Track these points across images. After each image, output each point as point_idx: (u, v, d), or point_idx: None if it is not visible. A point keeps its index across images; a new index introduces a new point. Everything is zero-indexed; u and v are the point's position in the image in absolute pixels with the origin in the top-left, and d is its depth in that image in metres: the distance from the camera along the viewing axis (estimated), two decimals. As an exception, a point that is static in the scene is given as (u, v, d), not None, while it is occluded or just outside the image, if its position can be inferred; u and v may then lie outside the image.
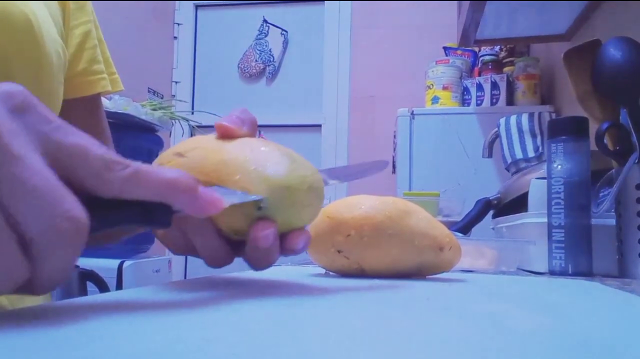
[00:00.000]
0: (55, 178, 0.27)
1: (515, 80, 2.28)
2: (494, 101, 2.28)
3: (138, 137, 2.14)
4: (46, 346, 0.22)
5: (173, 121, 2.36)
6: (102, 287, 1.57)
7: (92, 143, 0.30)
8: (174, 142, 3.31)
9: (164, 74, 3.48)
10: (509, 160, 1.85)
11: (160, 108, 2.26)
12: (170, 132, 3.05)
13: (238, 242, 0.42)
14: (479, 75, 2.42)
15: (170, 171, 0.32)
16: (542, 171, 1.05)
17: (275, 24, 3.53)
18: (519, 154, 1.84)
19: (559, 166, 0.82)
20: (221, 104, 3.42)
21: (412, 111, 2.24)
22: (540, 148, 1.82)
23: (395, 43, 3.27)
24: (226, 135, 0.43)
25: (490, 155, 1.90)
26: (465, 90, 2.34)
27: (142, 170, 0.31)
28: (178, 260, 3.35)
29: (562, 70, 0.98)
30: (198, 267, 2.92)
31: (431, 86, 2.33)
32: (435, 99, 2.31)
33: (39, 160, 0.27)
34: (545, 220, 0.84)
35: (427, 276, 0.62)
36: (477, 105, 2.31)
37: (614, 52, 0.85)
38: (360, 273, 0.60)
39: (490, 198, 1.24)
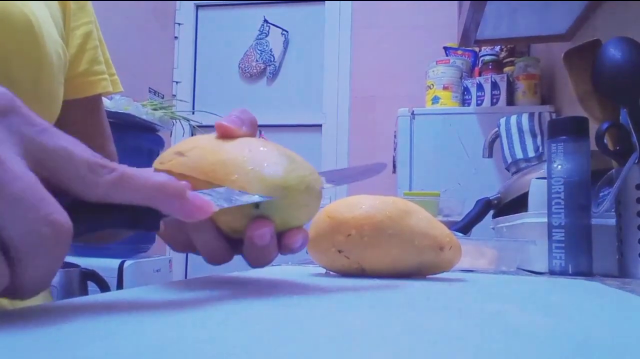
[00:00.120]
0: (37, 182, 0.26)
1: (516, 80, 2.28)
2: (494, 100, 2.28)
3: (139, 137, 2.14)
4: (47, 346, 0.22)
5: (174, 121, 2.36)
6: (103, 286, 1.57)
7: (77, 146, 0.29)
8: (175, 142, 3.31)
9: (164, 74, 3.48)
10: (509, 160, 1.85)
11: (161, 108, 2.26)
12: (171, 132, 3.04)
13: (237, 240, 0.42)
14: (479, 75, 2.42)
15: (158, 176, 0.32)
16: (542, 171, 1.05)
17: (276, 24, 3.53)
18: (519, 154, 1.84)
19: (559, 166, 0.82)
20: (222, 104, 3.42)
21: (413, 111, 2.24)
22: (541, 148, 1.82)
23: (396, 43, 3.27)
24: (226, 135, 0.43)
25: (490, 155, 1.90)
26: (466, 90, 2.34)
27: (128, 174, 0.30)
28: (179, 260, 3.35)
29: (562, 70, 0.98)
30: (198, 267, 2.92)
31: (431, 86, 2.33)
32: (435, 99, 2.31)
33: (21, 164, 0.26)
34: (546, 220, 0.84)
35: (427, 276, 0.62)
36: (478, 105, 2.31)
37: (614, 52, 0.85)
38: (361, 273, 0.60)
39: (491, 198, 1.24)
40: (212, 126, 0.45)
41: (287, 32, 3.52)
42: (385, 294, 0.44)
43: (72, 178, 0.29)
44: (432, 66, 2.36)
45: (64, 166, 0.29)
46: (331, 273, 0.63)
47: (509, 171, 1.88)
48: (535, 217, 0.91)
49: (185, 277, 3.34)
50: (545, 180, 0.86)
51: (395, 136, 2.43)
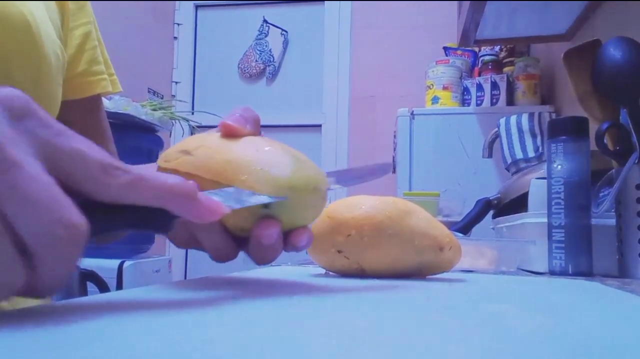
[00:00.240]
0: (53, 184, 0.27)
1: (515, 81, 2.28)
2: (494, 101, 2.28)
3: (138, 138, 2.14)
4: (46, 346, 0.22)
5: (173, 121, 2.37)
6: (103, 287, 1.57)
7: (91, 148, 0.30)
8: (174, 142, 3.31)
9: (164, 74, 3.48)
10: (509, 160, 1.85)
11: (160, 108, 2.26)
12: (171, 133, 3.05)
13: (242, 238, 0.43)
14: (479, 75, 2.42)
15: (170, 177, 0.32)
16: (542, 171, 1.05)
17: (276, 24, 3.53)
18: (519, 154, 1.84)
19: (559, 166, 0.82)
20: (221, 104, 3.42)
21: (412, 111, 2.24)
22: (540, 148, 1.82)
23: (396, 43, 3.27)
24: (231, 134, 0.43)
25: (490, 155, 1.90)
26: (465, 90, 2.34)
27: (141, 176, 0.31)
28: (178, 260, 3.35)
29: (562, 70, 0.98)
30: (198, 268, 2.92)
31: (431, 86, 2.33)
32: (435, 99, 2.31)
33: (38, 166, 0.27)
34: (545, 220, 0.84)
35: (427, 276, 0.62)
36: (477, 105, 2.31)
37: (614, 52, 0.85)
38: (361, 273, 0.60)
39: (490, 198, 1.24)
40: (211, 126, 0.45)
41: (286, 32, 3.52)
42: (385, 294, 0.44)
43: (86, 179, 0.29)
44: (431, 66, 2.36)
45: (78, 168, 0.29)
46: (331, 273, 0.63)
47: (508, 171, 1.88)
48: (535, 217, 0.91)
49: (185, 277, 3.34)
50: (545, 180, 0.86)
51: (395, 136, 2.43)
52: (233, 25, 3.59)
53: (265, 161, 0.40)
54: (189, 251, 3.42)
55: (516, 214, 1.01)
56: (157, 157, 0.46)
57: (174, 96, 3.50)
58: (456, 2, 2.22)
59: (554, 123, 0.86)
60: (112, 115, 1.92)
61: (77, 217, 0.27)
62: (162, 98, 3.23)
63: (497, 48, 2.50)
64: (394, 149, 2.43)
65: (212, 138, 0.43)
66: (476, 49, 2.54)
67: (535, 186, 0.95)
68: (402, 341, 0.25)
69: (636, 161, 0.81)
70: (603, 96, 0.88)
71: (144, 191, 0.31)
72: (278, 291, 0.44)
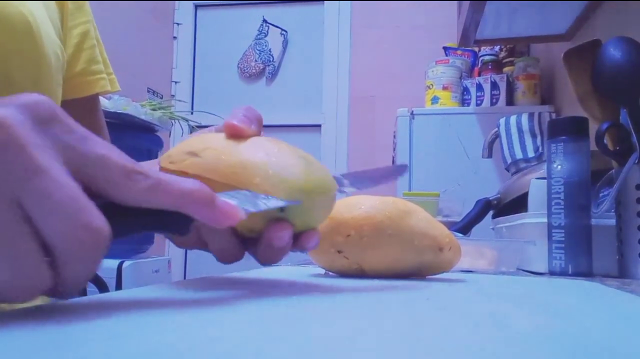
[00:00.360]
0: (78, 189, 0.28)
1: (515, 81, 2.28)
2: (494, 101, 2.28)
3: (137, 137, 2.14)
4: (46, 346, 0.22)
5: (172, 121, 2.36)
6: (102, 287, 1.57)
7: (114, 153, 0.31)
8: (174, 142, 3.31)
9: (163, 74, 3.48)
10: (509, 160, 1.85)
11: (159, 108, 2.26)
12: (170, 132, 3.05)
13: (249, 238, 0.43)
14: (479, 75, 2.42)
15: (188, 182, 0.33)
16: (542, 171, 1.04)
17: (275, 24, 3.53)
18: (518, 154, 1.83)
19: (559, 166, 0.82)
20: (221, 104, 3.42)
21: (412, 111, 2.24)
22: (540, 148, 1.82)
23: (395, 43, 3.27)
24: (236, 135, 0.43)
25: (490, 155, 1.90)
26: (465, 90, 2.34)
27: (162, 181, 0.32)
28: (177, 260, 3.35)
29: (562, 70, 0.98)
30: (197, 268, 2.92)
31: (431, 86, 2.33)
32: (435, 99, 2.31)
33: (63, 172, 0.28)
34: (545, 220, 0.84)
35: (426, 276, 0.62)
36: (477, 105, 2.31)
37: (614, 52, 0.85)
38: (360, 273, 0.60)
39: (490, 198, 1.24)
40: (211, 126, 0.45)
41: (286, 32, 3.52)
42: (384, 294, 0.44)
43: (109, 184, 0.30)
44: (431, 66, 2.36)
45: (101, 172, 0.30)
46: (330, 273, 0.63)
47: (508, 171, 1.88)
48: (535, 217, 0.91)
49: (184, 277, 3.34)
50: (545, 180, 0.86)
51: (394, 136, 2.43)
52: (233, 25, 3.59)
53: (277, 163, 0.40)
54: (188, 251, 3.42)
55: (516, 215, 1.01)
56: (156, 157, 0.46)
57: (173, 95, 3.50)
58: (456, 2, 2.22)
59: (554, 123, 0.86)
60: (111, 115, 1.92)
61: (99, 222, 0.28)
62: (161, 98, 3.23)
63: (497, 48, 2.50)
64: (394, 149, 2.43)
65: (218, 139, 0.43)
66: (476, 49, 2.54)
67: (535, 186, 0.95)
68: (402, 341, 0.25)
69: (636, 161, 0.81)
70: (603, 96, 0.88)
71: (164, 196, 0.32)
72: (278, 291, 0.43)
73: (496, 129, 1.91)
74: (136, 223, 0.33)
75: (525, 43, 2.46)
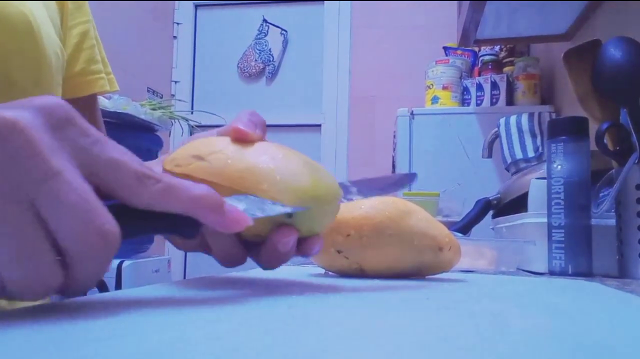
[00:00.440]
0: (91, 192, 0.28)
1: (515, 80, 2.28)
2: (494, 100, 2.28)
3: (137, 137, 2.14)
4: (46, 346, 0.22)
5: (172, 121, 2.36)
6: (101, 287, 1.57)
7: (126, 157, 0.32)
8: (173, 142, 3.31)
9: (163, 74, 3.48)
10: (509, 160, 1.85)
11: (159, 108, 2.26)
12: (170, 132, 3.05)
13: (252, 242, 0.43)
14: (479, 75, 2.42)
15: (199, 187, 0.33)
16: (542, 171, 1.04)
17: (275, 24, 3.53)
18: (518, 154, 1.83)
19: (559, 166, 0.82)
20: (221, 103, 3.42)
21: (412, 111, 2.24)
22: (540, 148, 1.82)
23: (395, 43, 3.27)
24: (241, 139, 0.43)
25: (490, 155, 1.90)
26: (465, 90, 2.34)
27: (173, 185, 0.32)
28: (177, 260, 3.35)
29: (562, 70, 0.98)
30: (197, 268, 2.91)
31: (431, 86, 2.33)
32: (435, 99, 2.31)
33: (77, 175, 0.28)
34: (545, 220, 0.84)
35: (426, 276, 0.62)
36: (477, 105, 2.31)
37: (614, 52, 0.85)
38: (360, 273, 0.60)
39: (490, 198, 1.24)
40: (210, 126, 0.45)
41: (286, 31, 3.52)
42: (384, 294, 0.44)
43: (121, 187, 0.31)
44: (431, 66, 2.36)
45: (114, 176, 0.31)
46: (330, 273, 0.63)
47: (508, 171, 1.88)
48: (535, 217, 0.91)
49: (184, 277, 3.34)
50: (545, 180, 0.86)
51: (394, 136, 2.43)
52: (232, 25, 3.59)
53: (284, 169, 0.40)
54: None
55: (516, 215, 1.01)
56: (156, 157, 0.46)
57: (173, 95, 3.50)
58: (456, 2, 2.22)
59: (554, 123, 0.86)
60: (111, 114, 1.92)
61: (110, 225, 0.29)
62: (161, 97, 3.23)
63: (497, 48, 2.50)
64: (394, 149, 2.43)
65: (224, 143, 0.43)
66: (476, 49, 2.54)
67: (535, 186, 0.95)
68: (402, 341, 0.25)
69: (636, 161, 0.81)
70: (603, 96, 0.88)
71: (175, 201, 0.32)
72: (277, 291, 0.43)
73: (496, 129, 1.91)
74: (146, 226, 0.33)
75: (525, 43, 2.46)
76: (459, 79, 2.34)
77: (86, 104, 0.73)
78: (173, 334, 0.25)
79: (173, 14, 3.58)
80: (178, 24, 3.59)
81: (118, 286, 1.94)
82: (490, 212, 1.24)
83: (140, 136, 2.16)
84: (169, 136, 3.21)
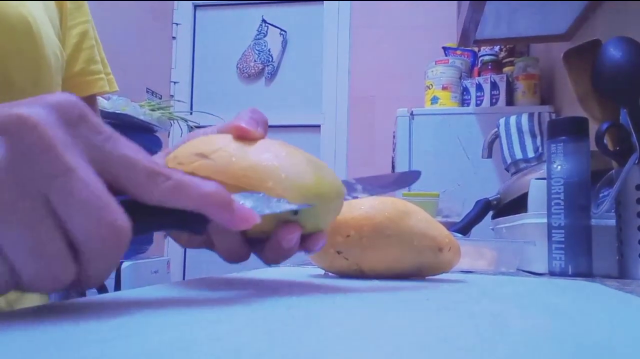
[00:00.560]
0: (103, 189, 0.29)
1: (515, 81, 2.28)
2: (494, 101, 2.28)
3: (136, 138, 2.12)
4: (45, 347, 0.22)
5: (171, 122, 2.36)
6: (100, 288, 1.57)
7: (138, 154, 0.32)
8: (172, 142, 3.31)
9: (162, 74, 3.48)
10: (509, 160, 1.85)
11: (158, 108, 2.26)
12: (169, 133, 3.04)
13: (256, 239, 0.43)
14: (479, 75, 2.42)
15: (208, 185, 0.34)
16: (542, 171, 1.04)
17: (274, 24, 3.53)
18: (518, 155, 1.83)
19: (559, 167, 0.82)
20: (220, 104, 3.42)
21: (412, 111, 2.24)
22: (540, 148, 1.82)
23: (395, 43, 3.27)
24: (243, 137, 0.43)
25: (489, 155, 1.90)
26: (465, 90, 2.34)
27: (183, 182, 0.33)
28: (176, 261, 3.35)
29: (562, 70, 0.98)
30: (196, 268, 2.91)
31: (430, 86, 2.33)
32: (434, 99, 2.31)
33: (89, 171, 0.29)
34: (545, 221, 0.84)
35: (426, 277, 0.62)
36: (477, 105, 2.31)
37: (614, 52, 0.85)
38: (360, 274, 0.59)
39: (490, 199, 1.24)
40: (208, 126, 0.45)
41: (285, 32, 3.52)
42: (384, 295, 0.43)
43: (132, 184, 0.32)
44: (431, 66, 2.36)
45: (125, 173, 0.31)
46: (330, 274, 0.63)
47: (508, 171, 1.88)
48: (534, 218, 0.91)
49: (184, 278, 3.34)
50: (545, 181, 0.86)
51: (394, 136, 2.43)
52: (232, 25, 3.59)
53: (289, 167, 0.41)
54: (187, 251, 3.43)
55: (516, 215, 1.01)
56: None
57: (172, 96, 3.50)
58: (455, 2, 2.22)
59: (554, 123, 0.86)
60: (110, 115, 1.92)
61: (122, 220, 0.29)
62: (160, 98, 3.23)
63: (496, 48, 2.49)
64: (393, 150, 2.43)
65: (227, 141, 0.43)
66: (476, 49, 2.54)
67: (535, 187, 0.94)
68: (401, 341, 0.25)
69: (636, 162, 0.81)
70: (603, 96, 0.87)
71: (185, 197, 0.33)
72: (277, 292, 0.43)
73: (496, 129, 1.91)
74: (156, 222, 0.34)
75: (525, 43, 2.46)
76: (459, 79, 2.34)
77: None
78: (173, 335, 0.25)
79: (172, 14, 3.58)
80: (177, 24, 3.59)
81: (117, 287, 1.94)
82: (490, 213, 1.24)
83: (139, 137, 2.16)
84: (168, 136, 3.21)
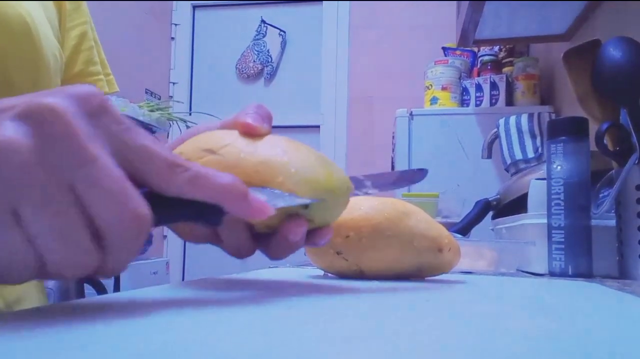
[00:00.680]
0: (125, 178, 0.30)
1: (515, 81, 2.28)
2: (493, 101, 2.28)
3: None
4: (45, 348, 0.22)
5: (170, 122, 2.36)
6: (100, 289, 1.57)
7: (157, 145, 0.33)
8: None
9: (161, 75, 3.48)
10: (509, 161, 1.85)
11: (157, 109, 2.26)
12: (168, 134, 3.04)
13: (262, 234, 0.43)
14: (478, 75, 2.42)
15: (225, 176, 0.34)
16: (542, 171, 1.04)
17: (273, 25, 3.53)
18: (518, 155, 1.83)
19: (559, 167, 0.82)
20: (219, 105, 3.42)
21: (411, 112, 2.24)
22: (540, 149, 1.82)
23: (394, 43, 3.27)
24: (250, 133, 0.44)
25: (489, 156, 1.90)
26: (465, 90, 2.34)
27: (201, 173, 0.33)
28: (176, 262, 3.35)
29: (562, 70, 0.97)
30: (196, 269, 2.91)
31: (430, 87, 2.33)
32: (434, 100, 2.31)
33: (112, 161, 0.30)
34: (545, 221, 0.84)
35: (426, 278, 0.61)
36: (476, 105, 2.31)
37: (614, 52, 0.85)
38: (359, 275, 0.59)
39: (490, 199, 1.24)
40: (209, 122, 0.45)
41: (284, 32, 3.52)
42: (383, 296, 0.43)
43: (151, 174, 0.32)
44: (430, 66, 2.36)
45: (145, 163, 0.32)
46: (329, 274, 0.63)
47: (508, 171, 1.88)
48: (534, 218, 0.90)
49: (183, 279, 3.34)
50: (545, 181, 0.86)
51: (393, 137, 2.43)
52: (231, 26, 3.59)
53: (298, 162, 0.41)
54: (186, 253, 3.43)
55: (516, 215, 1.01)
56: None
57: (171, 96, 3.50)
58: (455, 2, 2.22)
59: (554, 123, 0.86)
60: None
61: (143, 209, 0.30)
62: (159, 99, 3.23)
63: (496, 48, 2.50)
64: (393, 150, 2.43)
65: (234, 137, 0.43)
66: (475, 49, 2.54)
67: (535, 187, 0.94)
68: (401, 342, 0.25)
69: (636, 162, 0.81)
70: (603, 96, 0.87)
71: (203, 189, 0.33)
72: (277, 293, 0.43)
73: (495, 129, 1.91)
74: (174, 212, 0.34)
75: (525, 43, 2.46)
76: (458, 80, 2.34)
77: None
78: (173, 336, 0.25)
79: (171, 15, 3.58)
80: (176, 25, 3.59)
81: (116, 288, 1.94)
82: (490, 213, 1.24)
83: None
84: (167, 137, 3.21)
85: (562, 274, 0.80)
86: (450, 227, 1.17)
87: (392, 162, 2.39)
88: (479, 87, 2.31)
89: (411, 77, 3.03)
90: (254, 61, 3.52)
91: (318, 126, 3.36)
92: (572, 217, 0.81)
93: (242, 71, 3.53)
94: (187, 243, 3.38)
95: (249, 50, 3.54)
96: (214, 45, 3.59)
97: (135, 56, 3.04)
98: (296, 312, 0.34)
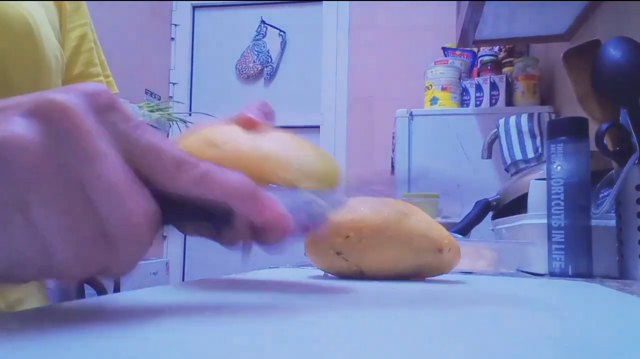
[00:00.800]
0: (133, 175, 0.30)
1: (515, 81, 2.28)
2: (493, 101, 2.28)
3: (136, 139, 2.13)
4: (45, 349, 0.22)
5: (170, 123, 2.36)
6: (100, 290, 1.57)
7: (165, 143, 0.32)
8: (172, 143, 3.30)
9: (161, 76, 3.48)
10: (509, 161, 1.85)
11: (157, 110, 2.26)
12: (168, 134, 3.04)
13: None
14: (478, 75, 2.42)
15: (234, 175, 0.34)
16: (542, 171, 1.04)
17: (273, 25, 3.53)
18: (518, 155, 1.83)
19: (559, 167, 0.82)
20: (219, 105, 3.42)
21: (411, 112, 2.24)
22: (540, 149, 1.82)
23: (394, 43, 3.27)
24: (252, 128, 0.44)
25: (489, 156, 1.90)
26: (464, 90, 2.34)
27: (210, 172, 0.33)
28: (176, 262, 3.35)
29: (562, 70, 0.97)
30: (196, 270, 2.91)
31: (430, 87, 2.33)
32: (434, 100, 2.31)
33: (119, 158, 0.29)
34: (545, 221, 0.84)
35: (426, 278, 0.61)
36: (476, 106, 2.31)
37: (614, 52, 0.85)
38: (359, 275, 0.59)
39: (490, 199, 1.24)
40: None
41: (284, 32, 3.52)
42: (384, 296, 0.43)
43: (159, 172, 0.32)
44: (430, 67, 2.36)
45: (152, 161, 0.31)
46: (329, 275, 0.63)
47: (508, 172, 1.88)
48: (534, 218, 0.90)
49: (183, 279, 3.34)
50: (545, 181, 0.86)
51: (393, 137, 2.43)
52: (231, 26, 3.59)
53: (302, 157, 0.42)
54: (186, 253, 3.43)
55: (515, 216, 1.01)
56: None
57: (171, 97, 3.50)
58: (455, 2, 2.22)
59: (554, 124, 0.86)
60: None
61: (152, 207, 0.30)
62: (159, 99, 3.23)
63: (496, 48, 2.50)
64: (393, 150, 2.43)
65: (237, 132, 0.44)
66: (475, 50, 2.54)
67: (535, 187, 0.94)
68: (401, 342, 0.25)
69: (636, 162, 0.81)
70: (603, 96, 0.87)
71: (211, 188, 0.33)
72: (276, 293, 0.43)
73: (495, 129, 1.91)
74: (183, 212, 0.34)
75: (525, 43, 2.46)
76: (458, 80, 2.34)
77: None
78: (171, 338, 0.25)
79: (171, 15, 3.58)
80: (176, 25, 3.59)
81: (116, 288, 1.94)
82: (490, 214, 1.24)
83: (139, 138, 2.16)
84: (167, 137, 3.21)
85: (562, 274, 0.80)
86: (450, 227, 1.17)
87: (392, 162, 2.39)
88: (478, 88, 2.31)
89: (411, 78, 3.03)
90: (254, 61, 3.52)
91: (318, 126, 3.36)
92: (572, 217, 0.81)
93: (242, 71, 3.53)
94: (187, 243, 3.38)
95: (248, 51, 3.54)
96: (213, 45, 3.59)
97: (136, 57, 3.04)
98: (296, 312, 0.34)
